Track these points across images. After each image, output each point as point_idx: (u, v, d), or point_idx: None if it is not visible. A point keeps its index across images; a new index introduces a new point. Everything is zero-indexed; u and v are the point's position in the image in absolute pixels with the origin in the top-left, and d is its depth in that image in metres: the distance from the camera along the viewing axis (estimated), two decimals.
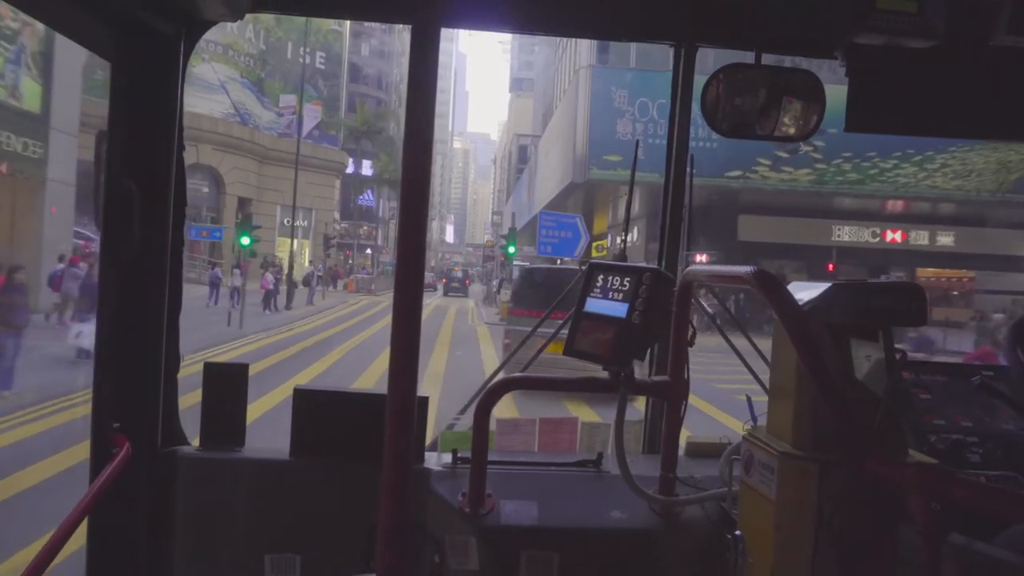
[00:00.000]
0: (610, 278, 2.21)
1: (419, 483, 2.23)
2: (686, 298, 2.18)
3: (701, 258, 13.06)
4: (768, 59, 2.35)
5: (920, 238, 31.55)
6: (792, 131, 2.36)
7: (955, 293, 32.26)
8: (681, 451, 2.43)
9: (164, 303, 2.23)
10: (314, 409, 2.30)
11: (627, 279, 2.16)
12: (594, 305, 2.22)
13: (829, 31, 2.17)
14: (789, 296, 1.63)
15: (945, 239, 31.24)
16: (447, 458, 2.37)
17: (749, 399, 2.17)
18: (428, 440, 2.49)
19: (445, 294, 54.78)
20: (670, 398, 2.25)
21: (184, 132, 2.25)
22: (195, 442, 2.36)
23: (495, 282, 41.92)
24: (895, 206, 31.71)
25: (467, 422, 2.51)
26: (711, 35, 2.54)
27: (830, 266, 28.22)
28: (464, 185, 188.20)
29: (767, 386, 1.88)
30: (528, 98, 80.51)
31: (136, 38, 2.09)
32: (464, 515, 2.18)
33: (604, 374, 2.15)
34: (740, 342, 2.82)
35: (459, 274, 59.94)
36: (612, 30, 2.61)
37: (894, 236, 31.44)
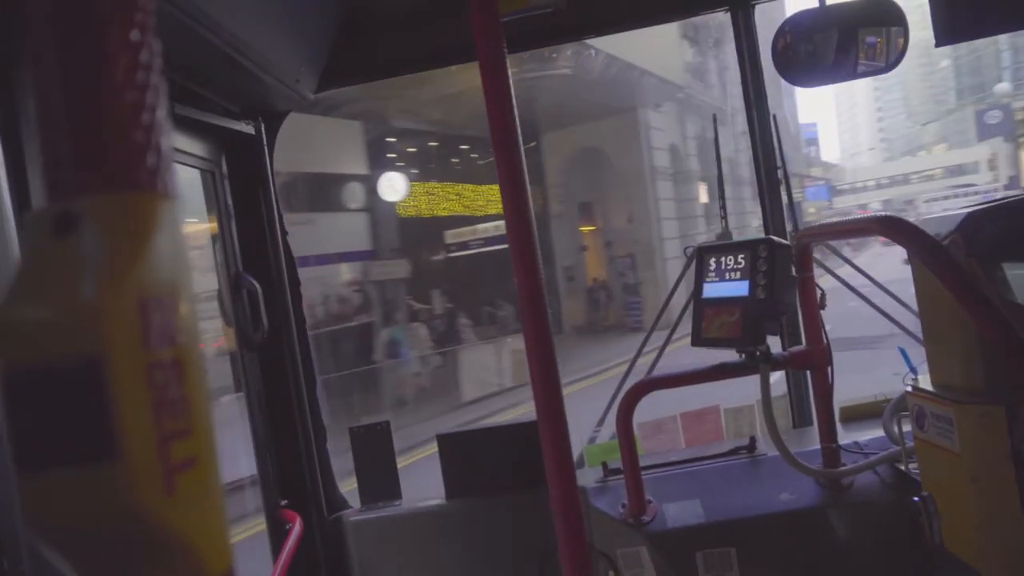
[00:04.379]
0: (723, 259, 2.15)
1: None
2: (806, 261, 2.08)
3: None
4: None
5: None
6: (876, 64, 2.21)
7: None
8: (836, 420, 2.29)
9: (301, 381, 2.37)
10: (459, 450, 2.35)
11: (741, 256, 2.10)
12: (712, 290, 2.17)
13: None
14: (926, 236, 1.52)
15: None
16: (597, 472, 2.36)
17: (903, 350, 2.01)
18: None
19: None
20: (813, 366, 2.16)
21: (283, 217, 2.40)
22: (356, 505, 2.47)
23: None
24: None
25: (606, 433, 2.54)
26: None
27: None
28: None
29: (913, 333, 1.75)
30: None
31: (222, 143, 2.24)
32: (629, 525, 2.15)
33: (737, 357, 2.10)
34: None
35: None
36: (665, 12, 2.58)
37: None
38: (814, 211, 53.28)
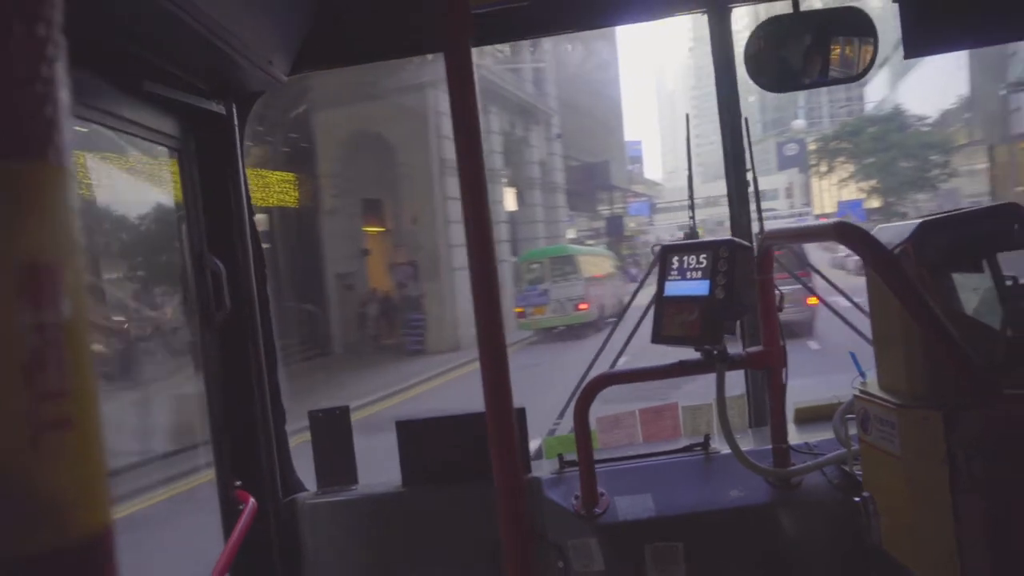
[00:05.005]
0: (685, 258, 2.18)
1: (531, 492, 2.24)
2: (767, 263, 2.12)
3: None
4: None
5: None
6: (845, 72, 2.29)
7: None
8: (790, 420, 2.35)
9: (262, 362, 2.34)
10: (418, 437, 2.35)
11: (703, 255, 2.12)
12: (674, 288, 2.20)
13: None
14: (876, 242, 1.56)
15: None
16: (554, 464, 2.38)
17: (853, 355, 2.09)
18: (532, 449, 2.50)
19: None
20: (769, 367, 2.20)
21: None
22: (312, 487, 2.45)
23: None
24: None
25: (566, 426, 2.54)
26: None
27: None
28: None
29: (867, 337, 1.81)
30: None
31: (192, 123, 2.21)
32: (580, 517, 2.18)
33: (696, 355, 2.12)
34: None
35: None
36: (642, 12, 2.57)
37: None
38: (634, 225, 56.08)
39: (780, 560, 2.16)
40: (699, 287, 2.10)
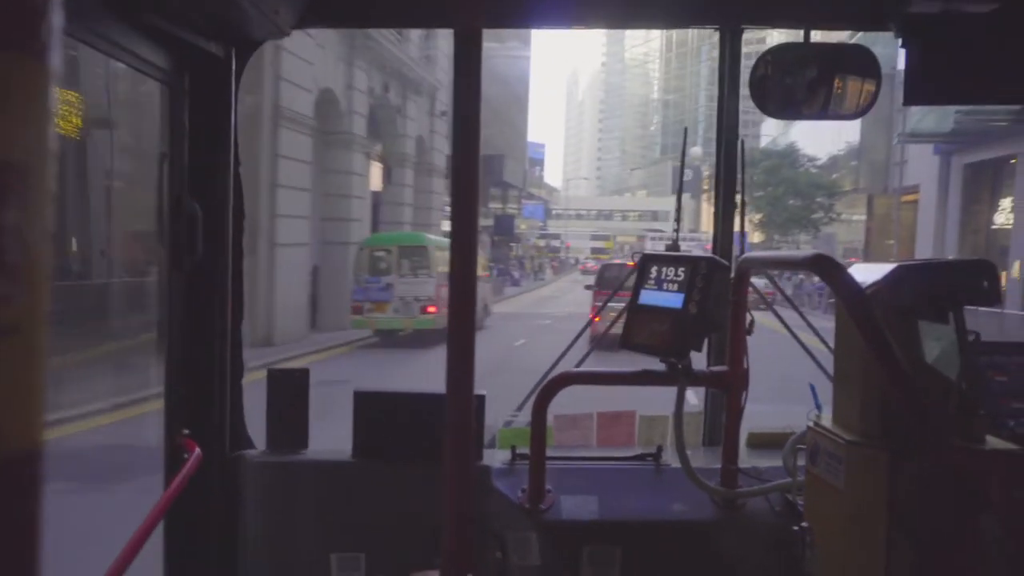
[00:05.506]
0: (664, 269, 2.18)
1: (479, 480, 2.25)
2: (743, 286, 2.14)
3: None
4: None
5: None
6: (844, 109, 2.33)
7: None
8: (742, 443, 2.40)
9: (228, 313, 2.30)
10: (374, 411, 2.34)
11: (682, 269, 2.13)
12: (649, 297, 2.20)
13: (882, 1, 2.11)
14: (851, 280, 1.58)
15: None
16: (506, 455, 2.38)
17: (813, 387, 2.14)
18: (486, 438, 2.47)
19: None
20: (730, 388, 2.22)
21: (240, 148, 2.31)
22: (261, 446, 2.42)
23: None
24: None
25: (524, 419, 2.53)
26: (756, 15, 2.47)
27: None
28: None
29: (830, 373, 1.85)
30: None
31: (188, 61, 2.16)
32: (524, 511, 2.19)
33: (661, 366, 2.12)
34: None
35: None
36: (654, 18, 2.57)
37: None
38: (526, 227, 56.36)
39: None
40: (674, 299, 2.10)
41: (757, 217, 41.90)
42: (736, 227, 2.53)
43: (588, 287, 19.53)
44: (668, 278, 2.15)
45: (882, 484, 1.54)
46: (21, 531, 0.35)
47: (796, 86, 2.33)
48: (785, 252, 1.93)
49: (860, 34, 2.95)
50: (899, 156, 29.84)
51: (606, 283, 16.96)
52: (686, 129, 2.99)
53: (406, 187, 25.81)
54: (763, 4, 2.43)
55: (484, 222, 44.57)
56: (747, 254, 2.26)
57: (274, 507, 2.34)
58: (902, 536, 1.53)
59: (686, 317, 2.05)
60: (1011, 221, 23.48)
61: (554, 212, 77.05)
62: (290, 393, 2.39)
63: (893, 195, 30.79)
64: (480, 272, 20.45)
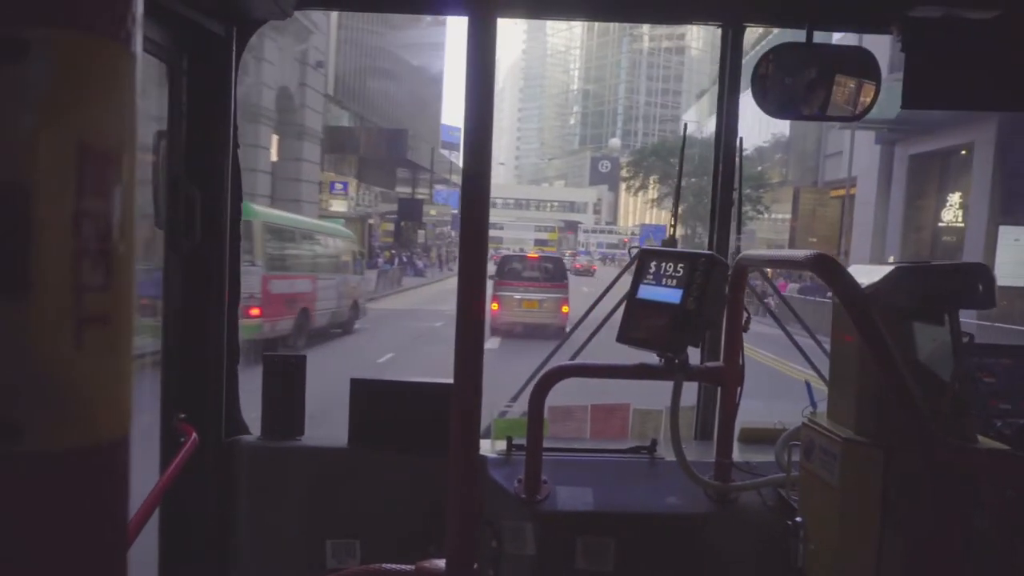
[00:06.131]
0: (663, 264, 2.19)
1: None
2: (740, 283, 2.16)
3: None
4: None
5: None
6: (843, 110, 2.37)
7: None
8: (735, 438, 2.41)
9: (224, 298, 2.29)
10: (371, 399, 2.34)
11: (681, 265, 2.14)
12: (647, 292, 2.20)
13: (883, 4, 2.13)
14: (851, 279, 1.61)
15: None
16: (501, 445, 2.40)
17: (808, 385, 2.17)
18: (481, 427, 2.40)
19: None
20: (725, 384, 2.25)
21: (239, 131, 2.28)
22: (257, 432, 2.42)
23: None
24: None
25: (518, 409, 2.55)
26: (759, 14, 2.50)
27: None
28: None
29: (824, 373, 1.89)
30: None
31: (189, 40, 2.13)
32: (520, 501, 2.20)
33: (657, 360, 2.13)
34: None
35: None
36: (659, 14, 2.58)
37: None
38: (435, 213, 55.17)
39: (706, 571, 2.23)
40: (672, 295, 2.11)
41: (681, 208, 41.77)
42: (736, 227, 2.55)
43: (490, 277, 19.52)
44: (667, 273, 2.16)
45: (876, 480, 1.58)
46: (112, 513, 0.36)
47: (796, 86, 2.35)
48: (785, 251, 1.92)
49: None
50: (829, 147, 28.49)
51: (506, 275, 17.47)
52: (686, 124, 2.99)
53: (260, 149, 22.05)
54: (765, 3, 2.45)
55: (388, 206, 42.26)
56: (746, 252, 2.27)
57: (270, 493, 2.34)
58: (894, 532, 1.57)
59: (685, 312, 2.06)
60: (959, 219, 22.40)
61: None
62: (286, 379, 2.38)
63: (823, 189, 29.86)
64: (344, 257, 16.89)
